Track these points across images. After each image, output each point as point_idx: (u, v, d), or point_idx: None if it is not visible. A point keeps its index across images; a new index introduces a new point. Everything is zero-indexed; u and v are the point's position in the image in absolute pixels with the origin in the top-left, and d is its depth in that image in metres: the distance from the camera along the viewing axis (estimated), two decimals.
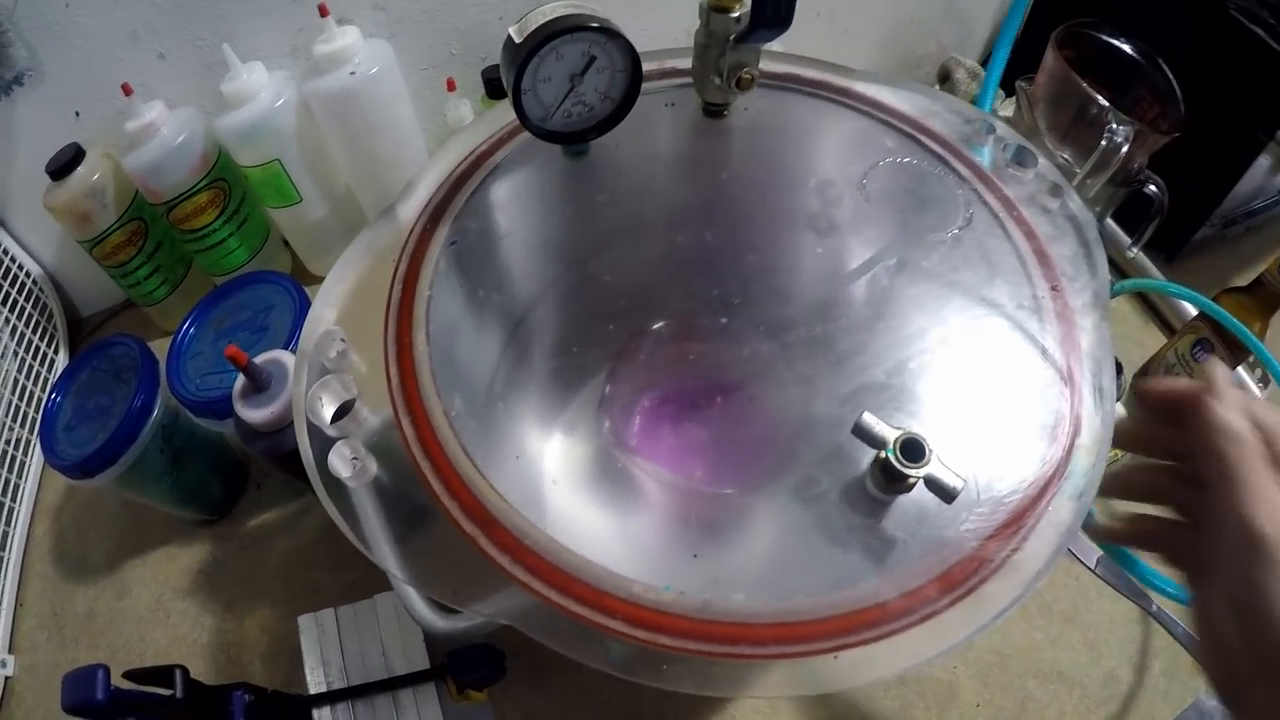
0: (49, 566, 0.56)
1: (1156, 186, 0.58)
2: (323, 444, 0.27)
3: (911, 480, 0.27)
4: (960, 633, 0.25)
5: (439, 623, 0.32)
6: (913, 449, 0.27)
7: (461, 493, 0.26)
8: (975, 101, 0.57)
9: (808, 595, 0.25)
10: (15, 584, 0.54)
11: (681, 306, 0.35)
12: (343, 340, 0.29)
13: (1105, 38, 0.61)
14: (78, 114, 0.57)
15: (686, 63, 0.35)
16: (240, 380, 0.38)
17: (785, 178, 0.38)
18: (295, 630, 0.41)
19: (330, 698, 0.38)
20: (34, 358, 0.61)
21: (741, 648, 0.24)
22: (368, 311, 0.30)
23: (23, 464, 0.58)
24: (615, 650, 0.24)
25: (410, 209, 0.34)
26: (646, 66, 0.37)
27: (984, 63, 0.74)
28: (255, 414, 0.38)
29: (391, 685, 0.38)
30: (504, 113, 0.32)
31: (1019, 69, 0.55)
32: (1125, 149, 0.55)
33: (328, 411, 0.28)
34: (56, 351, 0.64)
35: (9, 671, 0.51)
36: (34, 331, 0.62)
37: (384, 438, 0.27)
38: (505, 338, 0.34)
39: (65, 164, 0.55)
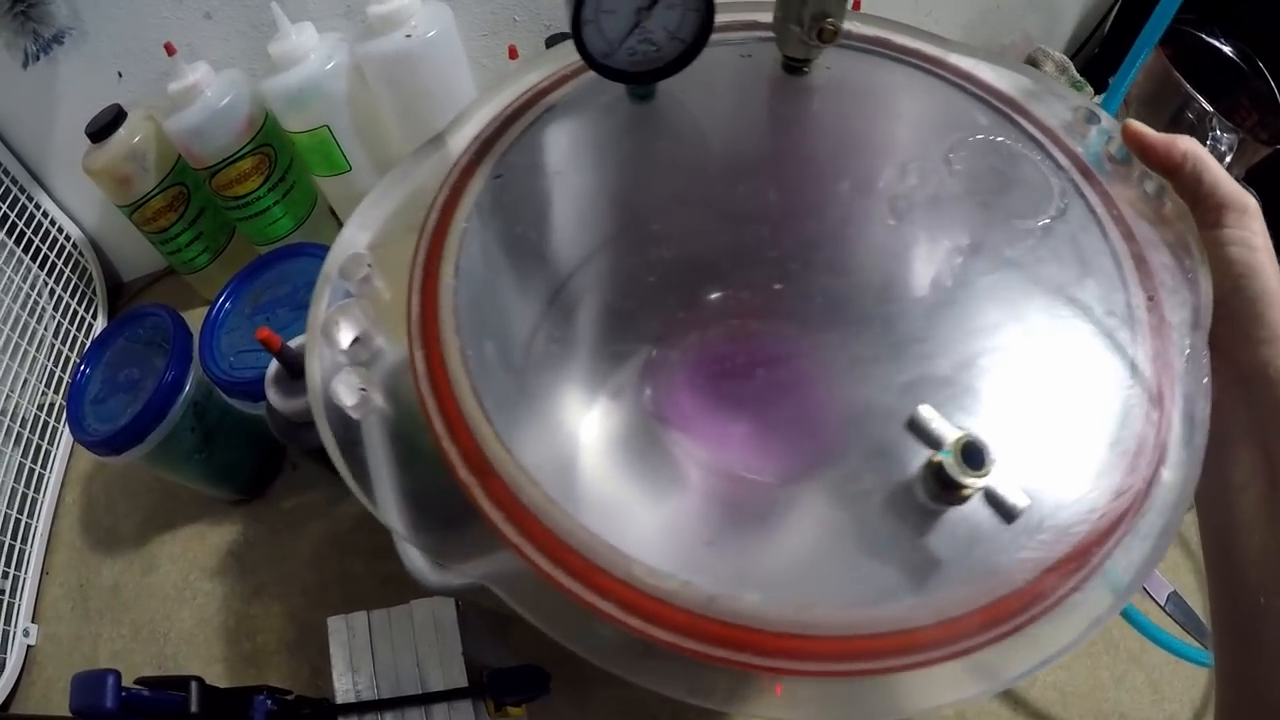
0: (77, 535, 0.55)
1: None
2: (333, 371, 0.26)
3: (967, 491, 0.23)
4: (996, 676, 0.22)
5: (430, 575, 0.31)
6: (973, 454, 0.23)
7: (463, 436, 0.24)
8: None
9: (831, 607, 0.22)
10: (42, 552, 0.54)
11: (738, 270, 0.32)
12: (369, 266, 0.27)
13: (1206, 37, 0.54)
14: (120, 75, 0.56)
15: (769, 15, 0.32)
16: (274, 365, 0.33)
17: (863, 143, 0.35)
18: (324, 623, 0.39)
19: (358, 708, 0.33)
20: (72, 323, 0.58)
21: (746, 655, 0.21)
22: (401, 239, 0.29)
23: (55, 430, 0.55)
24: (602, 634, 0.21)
25: (460, 140, 0.31)
26: (728, 17, 0.34)
27: (1073, 56, 0.67)
28: (290, 403, 0.33)
29: (426, 700, 0.33)
30: (568, 51, 0.30)
31: (1110, 65, 0.48)
32: (1229, 159, 0.48)
33: (345, 337, 0.26)
34: (95, 317, 0.62)
35: (32, 641, 0.51)
36: (72, 296, 0.59)
37: (397, 373, 0.26)
38: (552, 292, 0.31)
39: (105, 125, 0.53)
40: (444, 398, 0.24)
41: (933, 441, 0.23)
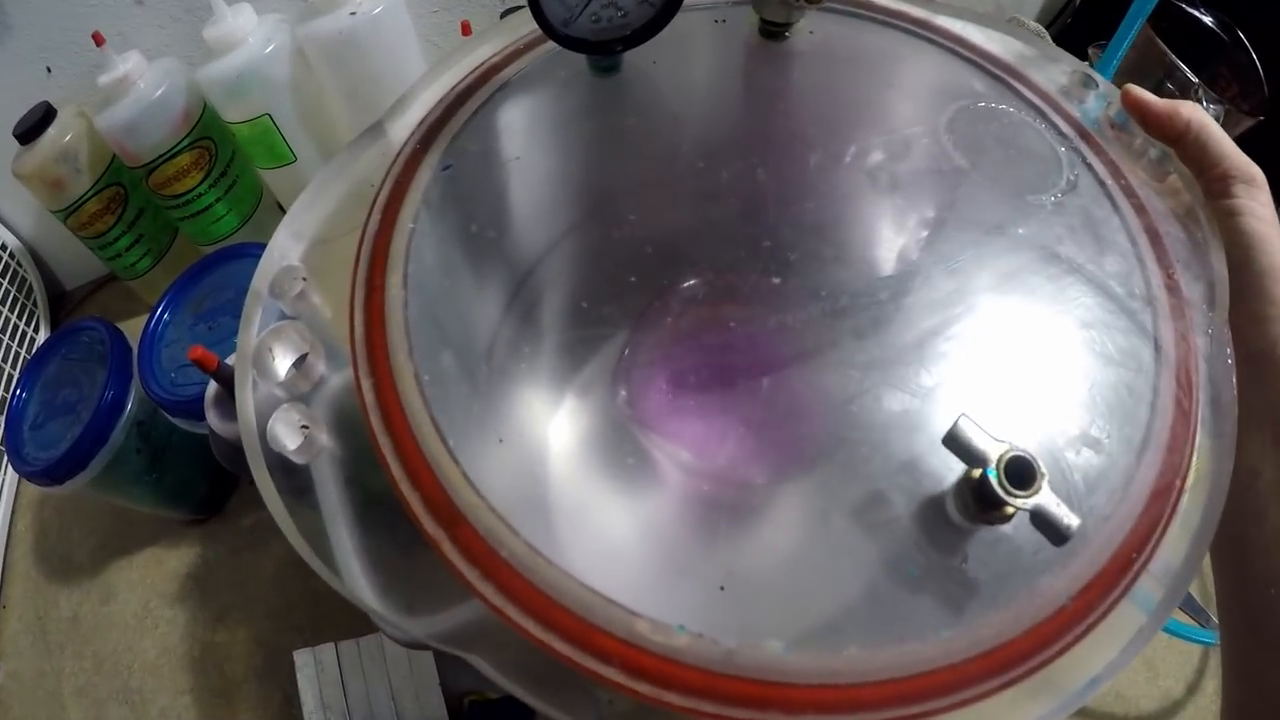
0: (31, 566, 0.51)
1: None
2: (270, 406, 0.22)
3: (1010, 510, 0.20)
4: (1045, 705, 0.19)
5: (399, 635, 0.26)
6: (1020, 471, 0.20)
7: (426, 481, 0.20)
8: None
9: (863, 648, 0.19)
10: None
11: (723, 260, 0.28)
12: (304, 280, 0.24)
13: (1186, 7, 0.51)
14: (49, 69, 0.51)
15: None
16: (213, 385, 0.29)
17: (853, 114, 0.31)
18: (292, 645, 0.37)
19: None
20: (13, 338, 0.53)
21: (773, 714, 0.18)
22: (341, 246, 0.25)
23: (2, 454, 0.48)
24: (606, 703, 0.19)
25: (402, 127, 0.28)
26: None
27: (1049, 25, 0.64)
28: (233, 427, 0.28)
29: None
30: (523, 21, 0.27)
31: (1084, 35, 0.45)
32: None
33: (281, 366, 0.22)
34: (37, 330, 0.57)
35: None
36: (11, 309, 0.56)
37: (345, 402, 0.22)
38: (511, 290, 0.27)
39: (34, 125, 0.48)
40: (399, 434, 0.21)
41: (974, 458, 0.20)
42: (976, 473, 0.20)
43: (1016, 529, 0.21)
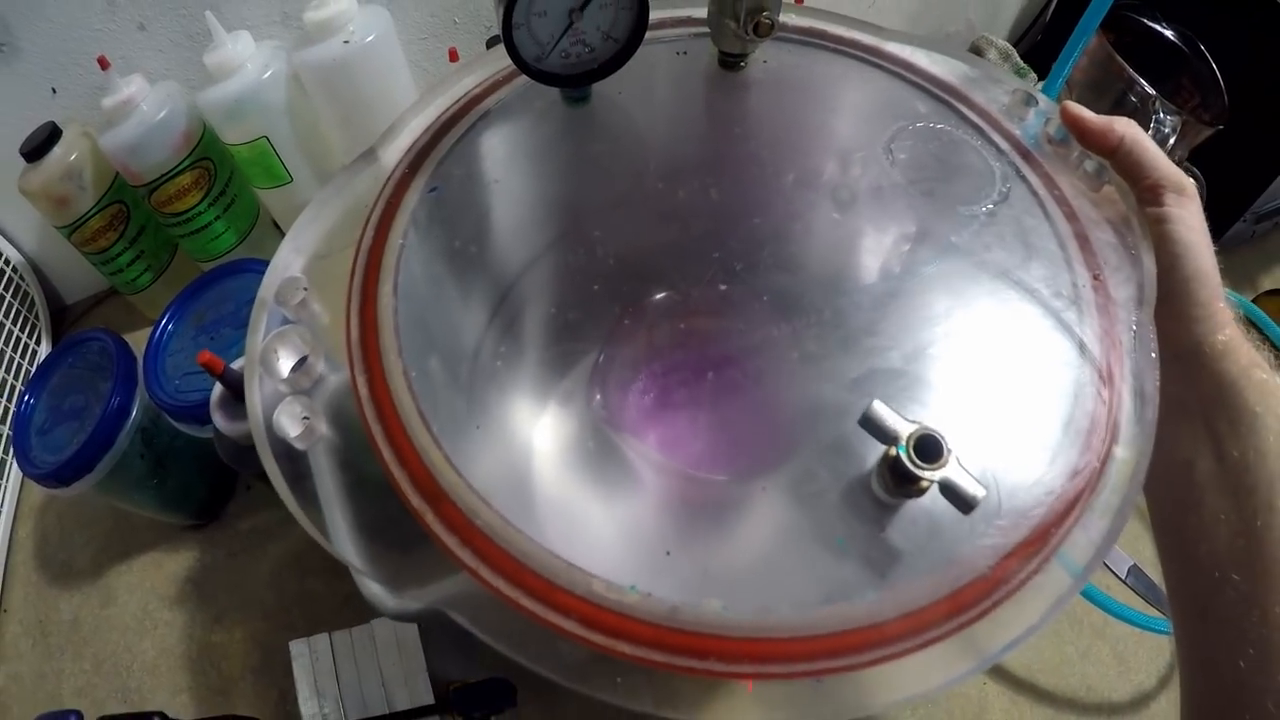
0: (33, 571, 0.53)
1: (1196, 180, 0.52)
2: (275, 400, 0.25)
3: (924, 484, 0.23)
4: (963, 664, 0.22)
5: (389, 601, 0.31)
6: (928, 447, 0.23)
7: (412, 462, 0.23)
8: None
9: (794, 608, 0.22)
10: None
11: (683, 272, 0.32)
12: (305, 289, 0.27)
13: (1147, 21, 0.54)
14: (54, 90, 0.53)
15: (703, 11, 0.32)
16: (217, 389, 0.32)
17: (803, 137, 0.35)
18: (288, 646, 0.38)
19: None
20: (15, 350, 0.56)
21: (710, 663, 0.21)
22: (338, 260, 0.28)
23: (4, 463, 0.52)
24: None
25: (393, 152, 0.31)
26: (662, 14, 0.34)
27: (1016, 43, 0.67)
28: (237, 427, 0.32)
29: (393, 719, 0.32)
30: (501, 55, 0.29)
31: (1053, 52, 0.48)
32: (1172, 141, 0.48)
33: (285, 365, 0.26)
34: (39, 342, 0.59)
35: None
36: (14, 322, 0.57)
37: (341, 398, 0.25)
38: (495, 303, 0.31)
39: (40, 144, 0.51)
40: (390, 423, 0.24)
41: (887, 437, 0.23)
42: (892, 451, 0.23)
43: (935, 503, 0.23)
